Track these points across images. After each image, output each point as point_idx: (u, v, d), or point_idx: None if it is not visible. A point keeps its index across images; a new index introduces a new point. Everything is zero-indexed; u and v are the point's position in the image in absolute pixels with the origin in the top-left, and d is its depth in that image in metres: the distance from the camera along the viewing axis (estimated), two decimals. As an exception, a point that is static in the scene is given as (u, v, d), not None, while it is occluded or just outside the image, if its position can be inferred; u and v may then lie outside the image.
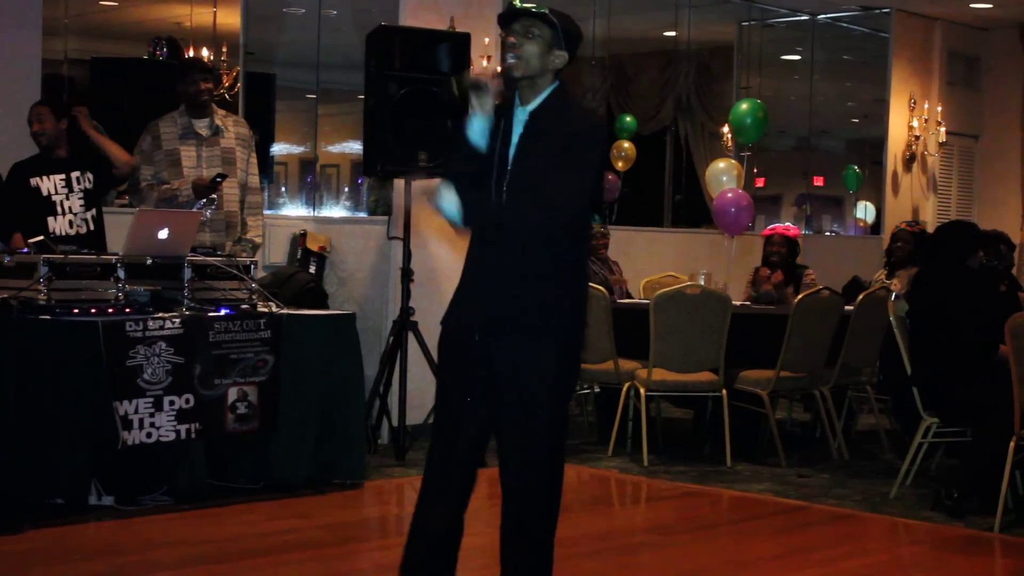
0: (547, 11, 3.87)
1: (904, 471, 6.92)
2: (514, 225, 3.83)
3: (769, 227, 9.39)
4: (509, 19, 3.92)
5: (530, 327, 3.84)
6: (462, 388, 3.94)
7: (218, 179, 6.85)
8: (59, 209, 6.70)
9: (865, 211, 12.84)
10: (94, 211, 6.80)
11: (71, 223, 6.72)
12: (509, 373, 3.85)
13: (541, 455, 3.89)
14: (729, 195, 9.98)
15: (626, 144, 11.89)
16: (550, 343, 3.85)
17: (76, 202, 6.74)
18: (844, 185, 13.00)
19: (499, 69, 3.95)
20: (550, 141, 3.83)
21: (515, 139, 3.89)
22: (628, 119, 11.98)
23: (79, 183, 6.77)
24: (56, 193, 6.71)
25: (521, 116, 3.90)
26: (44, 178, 6.71)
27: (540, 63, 3.87)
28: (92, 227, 6.76)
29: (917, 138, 12.73)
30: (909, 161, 12.75)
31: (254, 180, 7.25)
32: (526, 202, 3.78)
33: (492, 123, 3.90)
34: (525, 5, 3.93)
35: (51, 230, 6.60)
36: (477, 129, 3.91)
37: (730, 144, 11.85)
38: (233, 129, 7.18)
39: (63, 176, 6.75)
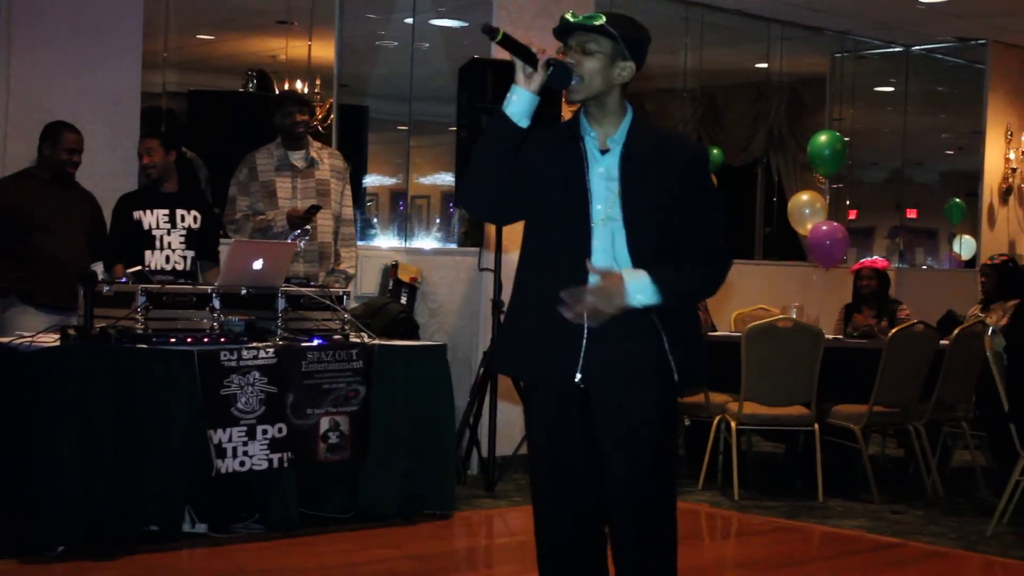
0: (604, 22, 3.46)
1: (1001, 509, 6.80)
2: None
3: (858, 262, 9.31)
4: (563, 34, 3.53)
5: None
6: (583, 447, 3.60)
7: (312, 210, 6.92)
8: (158, 244, 6.76)
9: (961, 245, 12.68)
10: (193, 253, 6.86)
11: (168, 259, 6.77)
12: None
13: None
14: (824, 228, 9.94)
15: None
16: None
17: (176, 239, 6.80)
18: (946, 218, 12.84)
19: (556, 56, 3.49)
20: (661, 179, 3.50)
21: (601, 171, 3.51)
22: (715, 151, 11.94)
23: (183, 220, 6.83)
24: (157, 227, 6.78)
25: (614, 147, 3.52)
26: (148, 211, 6.79)
27: (603, 80, 3.49)
28: (188, 267, 6.81)
29: (1014, 171, 12.54)
30: (1005, 194, 12.56)
31: (348, 212, 7.32)
32: (661, 246, 3.50)
33: (536, 104, 3.48)
34: (578, 18, 3.51)
35: (148, 263, 6.67)
36: (520, 106, 3.47)
37: (822, 177, 11.77)
38: (328, 161, 7.26)
39: (167, 211, 6.81)
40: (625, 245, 3.50)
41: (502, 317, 7.45)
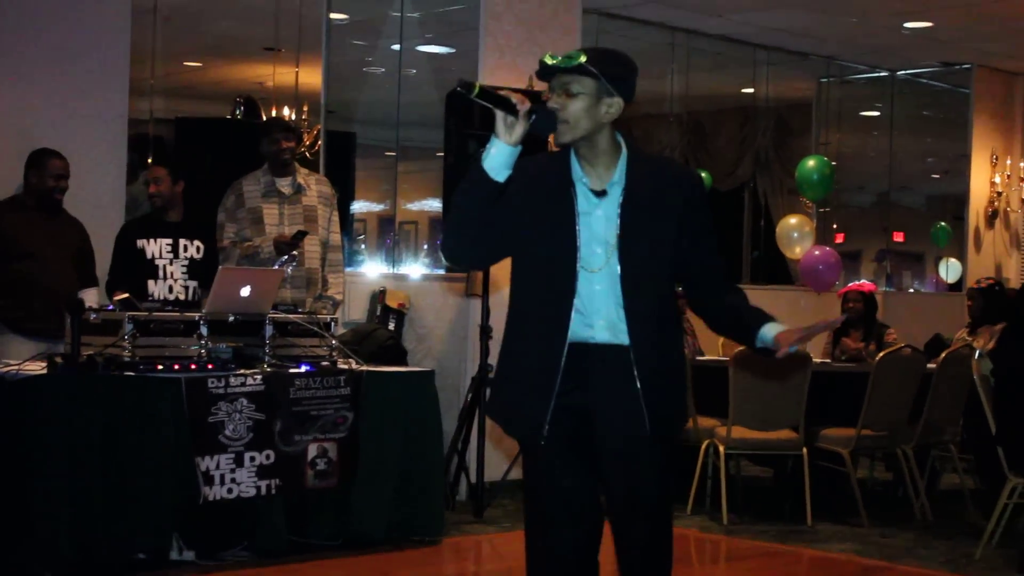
0: (583, 61, 3.35)
1: (989, 532, 6.80)
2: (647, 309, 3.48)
3: (845, 286, 9.35)
4: (545, 76, 3.44)
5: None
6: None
7: (299, 236, 6.92)
8: (161, 273, 6.79)
9: (947, 269, 12.70)
10: (196, 283, 6.85)
11: (171, 288, 6.80)
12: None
13: None
14: (816, 253, 9.98)
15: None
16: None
17: (179, 269, 6.83)
18: (933, 242, 12.86)
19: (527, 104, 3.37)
20: (662, 218, 3.46)
21: (599, 214, 3.45)
22: (704, 175, 11.95)
23: (186, 251, 6.86)
24: (160, 257, 6.81)
25: (613, 191, 3.45)
26: (151, 241, 6.82)
27: (590, 121, 3.40)
28: (191, 297, 6.81)
29: (999, 194, 12.59)
30: (991, 217, 12.61)
31: (335, 238, 7.31)
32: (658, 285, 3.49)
33: (515, 156, 3.39)
34: (557, 59, 3.41)
35: (151, 293, 6.69)
36: (498, 159, 3.38)
37: (809, 201, 11.80)
38: (315, 187, 7.26)
39: (170, 241, 6.85)
40: (617, 288, 3.46)
41: (490, 343, 7.47)
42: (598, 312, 3.47)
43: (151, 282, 6.76)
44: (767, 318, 3.55)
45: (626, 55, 3.52)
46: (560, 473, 3.53)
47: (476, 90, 3.33)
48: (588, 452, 3.53)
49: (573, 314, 3.45)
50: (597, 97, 3.40)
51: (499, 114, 3.37)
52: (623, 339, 3.47)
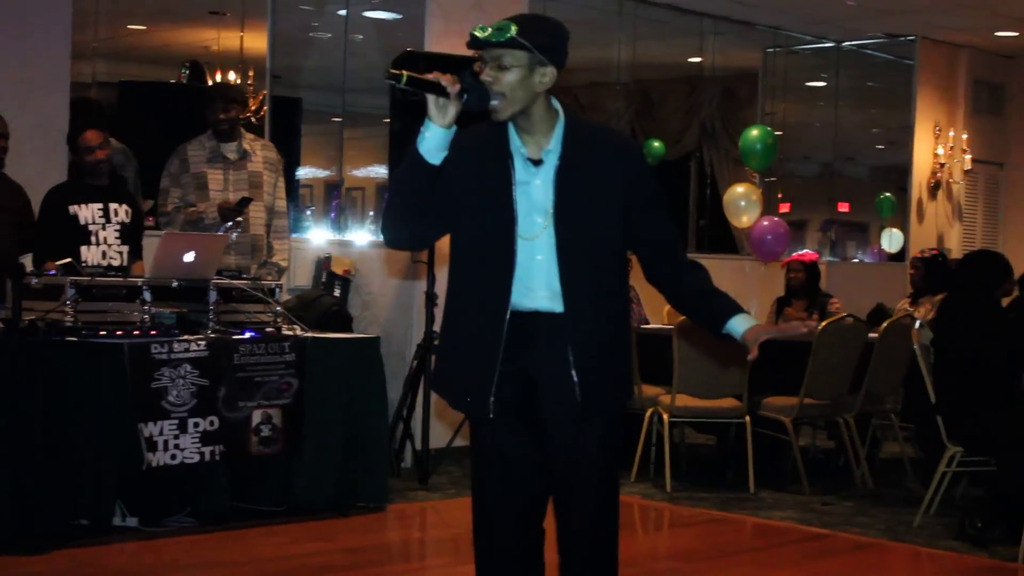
0: (513, 34, 3.32)
1: (928, 500, 6.89)
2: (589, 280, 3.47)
3: (787, 257, 9.41)
4: (477, 49, 3.41)
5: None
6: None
7: (244, 203, 6.87)
8: (94, 239, 6.67)
9: (890, 239, 12.80)
10: (128, 248, 6.77)
11: (104, 254, 6.69)
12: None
13: None
14: (765, 223, 10.02)
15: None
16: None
17: (112, 233, 6.72)
18: (877, 213, 12.96)
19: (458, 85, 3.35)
20: (601, 186, 3.44)
21: (538, 183, 3.43)
22: (656, 144, 11.95)
23: (116, 215, 6.75)
24: (93, 223, 6.68)
25: (549, 159, 3.43)
26: (83, 206, 6.67)
27: (525, 92, 3.37)
28: (124, 262, 6.72)
29: (942, 166, 12.70)
30: (934, 189, 12.72)
31: (281, 204, 7.28)
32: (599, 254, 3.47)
33: (450, 137, 3.38)
34: (487, 32, 3.36)
35: (84, 259, 6.57)
36: (433, 142, 3.37)
37: (753, 171, 11.84)
38: (261, 153, 7.22)
39: (101, 206, 6.71)
40: (555, 257, 3.45)
41: (435, 310, 7.46)
42: (540, 282, 3.45)
43: (84, 248, 6.60)
44: (735, 308, 3.52)
45: (556, 21, 3.50)
46: (505, 443, 3.53)
47: (404, 79, 3.30)
48: (534, 420, 3.52)
49: (514, 285, 3.44)
50: (530, 68, 3.37)
51: (431, 98, 3.34)
52: (560, 308, 3.46)
